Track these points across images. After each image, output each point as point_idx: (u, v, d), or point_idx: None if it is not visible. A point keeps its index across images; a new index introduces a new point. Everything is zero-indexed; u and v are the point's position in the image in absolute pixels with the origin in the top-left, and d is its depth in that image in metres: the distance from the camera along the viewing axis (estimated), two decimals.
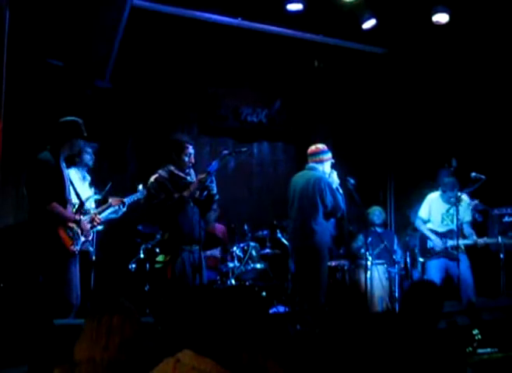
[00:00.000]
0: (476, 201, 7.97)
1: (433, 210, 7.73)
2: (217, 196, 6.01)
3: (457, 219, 7.33)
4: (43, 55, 6.36)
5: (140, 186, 6.70)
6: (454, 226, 7.43)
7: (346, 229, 8.36)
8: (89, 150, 6.59)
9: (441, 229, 7.62)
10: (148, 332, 4.25)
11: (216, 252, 7.95)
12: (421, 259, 7.76)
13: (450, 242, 7.44)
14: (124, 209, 6.49)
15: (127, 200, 6.50)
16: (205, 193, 5.88)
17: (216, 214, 8.23)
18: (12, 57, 5.84)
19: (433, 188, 7.97)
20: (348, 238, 8.71)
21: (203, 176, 5.81)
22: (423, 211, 7.82)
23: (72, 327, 3.93)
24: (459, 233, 7.37)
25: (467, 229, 7.61)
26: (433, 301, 3.70)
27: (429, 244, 7.62)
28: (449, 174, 7.91)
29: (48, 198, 5.29)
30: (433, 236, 7.63)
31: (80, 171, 6.54)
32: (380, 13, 8.38)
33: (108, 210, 6.30)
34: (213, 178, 5.85)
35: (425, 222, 7.79)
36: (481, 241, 7.51)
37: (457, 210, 7.32)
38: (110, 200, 6.29)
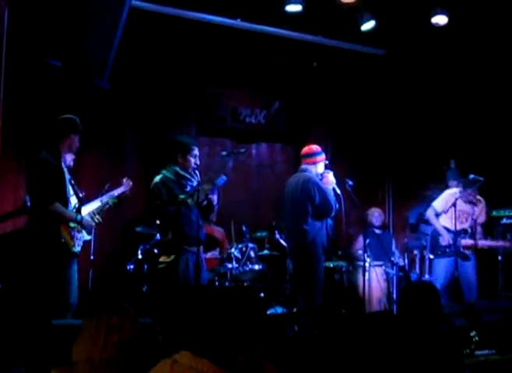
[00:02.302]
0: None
1: (450, 207, 7.65)
2: (216, 207, 6.15)
3: (471, 218, 7.33)
4: (41, 55, 6.35)
5: (124, 179, 6.69)
6: (467, 225, 7.40)
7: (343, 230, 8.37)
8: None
9: (456, 227, 7.55)
10: (146, 332, 4.25)
11: (215, 253, 7.95)
12: (431, 256, 7.69)
13: (463, 242, 7.37)
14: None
15: (111, 194, 6.42)
16: (205, 202, 5.97)
17: (215, 215, 8.25)
18: (10, 56, 5.84)
19: (437, 189, 7.96)
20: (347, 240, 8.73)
21: (208, 188, 5.93)
22: (439, 204, 7.72)
23: (70, 327, 3.91)
24: (471, 232, 7.37)
25: (480, 230, 7.58)
26: (430, 301, 3.70)
27: (441, 241, 7.55)
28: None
29: (50, 198, 5.29)
30: (443, 231, 7.56)
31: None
32: (379, 15, 8.39)
33: (105, 209, 6.27)
34: (216, 191, 5.96)
35: (437, 215, 7.73)
36: (482, 242, 7.50)
37: (472, 209, 7.33)
38: (106, 199, 6.27)
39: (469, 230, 7.33)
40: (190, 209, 5.91)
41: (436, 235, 7.66)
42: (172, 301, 5.58)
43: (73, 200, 5.59)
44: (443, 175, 8.38)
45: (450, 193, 7.76)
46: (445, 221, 7.67)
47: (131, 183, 6.62)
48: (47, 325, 4.31)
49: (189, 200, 5.88)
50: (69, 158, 6.37)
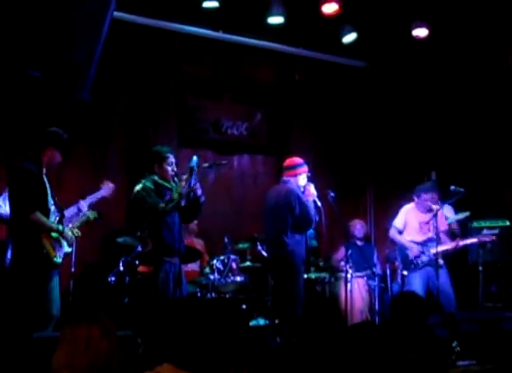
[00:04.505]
0: (467, 213, 7.98)
1: (410, 221, 7.72)
2: (203, 198, 6.02)
3: (433, 227, 7.35)
4: (22, 66, 6.34)
5: (104, 183, 6.50)
6: (432, 234, 7.43)
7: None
8: None
9: (420, 238, 7.60)
10: (127, 345, 4.22)
11: (195, 265, 7.92)
12: (404, 272, 7.70)
13: (432, 250, 7.40)
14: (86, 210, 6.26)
15: (88, 200, 6.31)
16: (192, 195, 5.88)
17: (196, 227, 8.23)
18: None
19: (409, 200, 8.01)
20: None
21: (186, 175, 5.83)
22: (398, 221, 7.79)
23: (51, 340, 3.88)
24: (436, 240, 7.38)
25: (444, 238, 7.61)
26: (418, 313, 3.72)
27: (410, 255, 7.59)
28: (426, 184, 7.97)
29: (32, 207, 5.26)
30: (409, 244, 7.59)
31: None
32: (360, 27, 8.46)
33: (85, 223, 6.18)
34: (196, 179, 5.85)
35: (400, 232, 7.77)
36: (461, 242, 7.53)
37: (432, 217, 7.35)
38: (88, 213, 6.22)
39: (435, 238, 7.36)
40: (170, 219, 5.89)
41: (403, 250, 7.68)
42: (153, 313, 5.56)
43: (54, 212, 5.56)
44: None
45: (407, 208, 7.82)
46: (409, 236, 7.72)
47: (111, 186, 6.41)
48: (28, 338, 4.27)
49: (175, 195, 5.81)
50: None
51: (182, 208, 5.84)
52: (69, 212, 5.91)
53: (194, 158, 5.86)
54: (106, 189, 6.43)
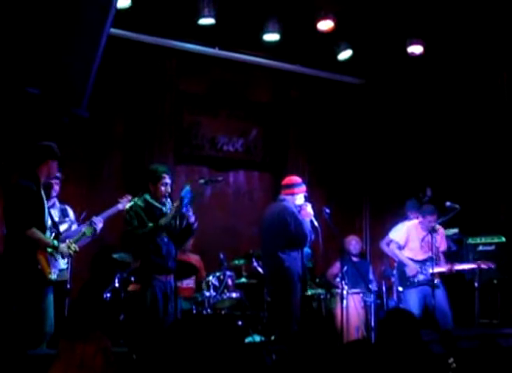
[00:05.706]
0: (455, 230, 7.98)
1: (412, 238, 7.70)
2: (196, 225, 6.01)
3: (434, 246, 7.34)
4: (20, 83, 6.35)
5: (123, 198, 6.56)
6: (431, 253, 7.42)
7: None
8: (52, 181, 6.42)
9: (420, 257, 7.58)
10: (123, 361, 4.21)
11: (191, 282, 7.90)
12: (400, 289, 7.69)
13: (430, 270, 7.39)
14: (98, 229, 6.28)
15: (104, 215, 6.34)
16: (185, 222, 5.90)
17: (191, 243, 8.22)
18: None
19: (404, 217, 8.02)
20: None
21: (177, 203, 5.81)
22: (400, 237, 7.76)
23: (46, 357, 3.87)
24: (435, 260, 7.37)
25: (443, 258, 7.61)
26: (409, 329, 3.71)
27: (408, 272, 7.58)
28: (424, 201, 7.97)
29: (28, 223, 5.25)
30: (408, 261, 7.59)
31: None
32: (356, 44, 8.51)
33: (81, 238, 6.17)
34: (189, 206, 5.85)
35: (400, 248, 7.76)
36: (457, 267, 7.52)
37: (432, 237, 7.33)
38: (84, 228, 6.21)
39: (434, 258, 7.35)
40: (160, 236, 5.87)
41: (401, 266, 7.67)
42: (144, 331, 5.56)
43: (50, 228, 5.55)
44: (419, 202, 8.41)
45: (411, 225, 7.81)
46: (408, 253, 7.70)
47: (130, 198, 6.44)
48: (22, 355, 4.25)
49: (162, 221, 5.79)
50: (57, 187, 6.33)
51: (171, 233, 5.85)
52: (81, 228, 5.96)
53: (187, 187, 5.86)
54: (125, 202, 6.47)
